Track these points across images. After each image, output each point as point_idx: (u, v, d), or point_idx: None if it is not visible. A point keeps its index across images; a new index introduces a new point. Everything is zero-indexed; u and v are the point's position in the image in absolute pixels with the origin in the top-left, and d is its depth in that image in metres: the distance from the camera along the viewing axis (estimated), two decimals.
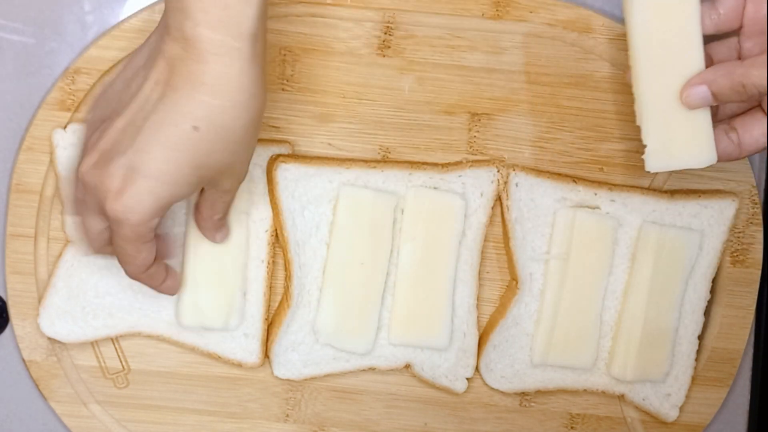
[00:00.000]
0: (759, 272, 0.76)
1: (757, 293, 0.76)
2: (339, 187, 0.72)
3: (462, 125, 0.74)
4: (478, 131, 0.74)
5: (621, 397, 0.76)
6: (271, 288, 0.74)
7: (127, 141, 0.60)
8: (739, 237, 0.76)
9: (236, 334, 0.73)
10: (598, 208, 0.74)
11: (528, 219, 0.74)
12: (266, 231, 0.73)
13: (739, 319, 0.76)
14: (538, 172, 0.74)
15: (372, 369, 0.74)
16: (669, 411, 0.76)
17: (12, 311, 0.73)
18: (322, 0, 0.72)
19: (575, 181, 0.74)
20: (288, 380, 0.75)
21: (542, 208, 0.74)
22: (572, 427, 0.77)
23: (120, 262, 0.65)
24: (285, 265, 0.73)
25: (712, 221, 0.74)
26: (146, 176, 0.59)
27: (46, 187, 0.72)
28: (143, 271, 0.65)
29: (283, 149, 0.72)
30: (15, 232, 0.73)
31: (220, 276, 0.72)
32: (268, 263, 0.73)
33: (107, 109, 0.64)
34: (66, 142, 0.71)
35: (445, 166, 0.73)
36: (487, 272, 0.75)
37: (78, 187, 0.64)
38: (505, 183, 0.73)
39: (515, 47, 0.73)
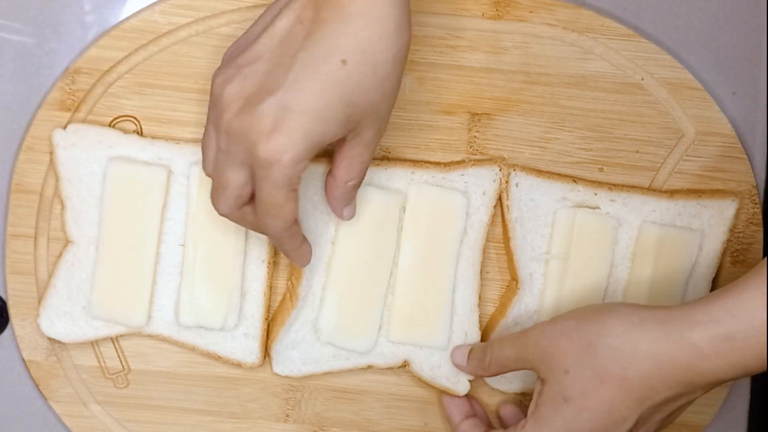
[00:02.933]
0: None
1: None
2: None
3: (462, 125, 0.74)
4: (478, 131, 0.74)
5: None
6: (271, 288, 0.74)
7: (275, 81, 0.59)
8: (739, 237, 0.76)
9: (236, 334, 0.73)
10: (598, 208, 0.74)
11: (528, 219, 0.74)
12: None
13: None
14: (538, 172, 0.74)
15: (370, 367, 0.74)
16: None
17: (12, 311, 0.73)
18: None
19: (575, 181, 0.74)
20: (288, 380, 0.75)
21: (542, 208, 0.74)
22: None
23: (266, 218, 0.62)
24: (291, 266, 0.72)
25: (712, 221, 0.74)
26: (299, 113, 0.58)
27: (46, 187, 0.72)
28: (289, 226, 0.63)
29: None
30: (15, 232, 0.73)
31: (219, 276, 0.72)
32: (268, 263, 0.73)
33: (241, 57, 0.62)
34: (66, 142, 0.71)
35: (448, 164, 0.73)
36: (487, 272, 0.75)
37: (220, 138, 0.61)
38: (506, 183, 0.73)
39: (515, 47, 0.73)
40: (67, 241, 0.72)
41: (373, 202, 0.72)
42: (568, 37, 0.74)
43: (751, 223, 0.76)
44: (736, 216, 0.75)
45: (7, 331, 0.74)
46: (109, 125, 0.72)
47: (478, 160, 0.74)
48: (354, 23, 0.58)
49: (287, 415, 0.75)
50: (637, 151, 0.75)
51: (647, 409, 0.63)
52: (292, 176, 0.60)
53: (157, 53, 0.72)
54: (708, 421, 0.77)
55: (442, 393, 0.74)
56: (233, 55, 0.63)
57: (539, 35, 0.73)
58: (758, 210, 0.76)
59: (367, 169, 0.65)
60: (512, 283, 0.75)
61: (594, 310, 0.65)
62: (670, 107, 0.74)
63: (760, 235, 0.76)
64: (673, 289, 0.74)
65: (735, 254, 0.76)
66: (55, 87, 0.72)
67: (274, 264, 0.73)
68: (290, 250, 0.66)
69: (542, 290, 0.74)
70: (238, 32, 0.72)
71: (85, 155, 0.72)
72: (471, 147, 0.74)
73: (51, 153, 0.72)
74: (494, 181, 0.73)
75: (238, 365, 0.74)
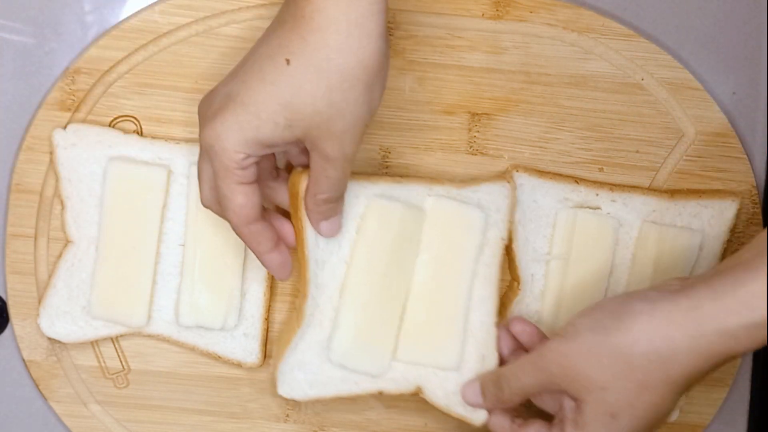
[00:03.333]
0: None
1: None
2: (366, 201, 0.69)
3: (462, 125, 0.74)
4: (478, 131, 0.74)
5: None
6: (271, 288, 0.74)
7: (233, 73, 0.61)
8: (739, 237, 0.76)
9: (236, 334, 0.73)
10: (599, 208, 0.74)
11: (530, 220, 0.73)
12: None
13: None
14: (541, 173, 0.74)
15: (381, 393, 0.71)
16: None
17: (12, 311, 0.74)
18: None
19: (577, 182, 0.74)
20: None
21: (544, 208, 0.74)
22: None
23: (223, 210, 0.63)
24: (301, 284, 0.69)
25: (712, 221, 0.74)
26: (237, 103, 0.59)
27: (46, 187, 0.73)
28: (243, 222, 0.62)
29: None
30: (15, 232, 0.73)
31: (219, 276, 0.72)
32: None
33: None
34: (66, 142, 0.71)
35: (463, 181, 0.71)
36: None
37: None
38: (514, 194, 0.72)
39: (515, 47, 0.73)
40: (67, 241, 0.72)
41: (391, 218, 0.69)
42: (568, 37, 0.74)
43: (751, 223, 0.76)
44: (736, 216, 0.75)
45: (7, 331, 0.74)
46: (109, 125, 0.72)
47: (490, 177, 0.72)
48: (304, 26, 0.58)
49: (287, 415, 0.75)
50: (637, 151, 0.75)
51: (684, 391, 0.63)
52: (228, 165, 0.60)
53: (157, 53, 0.72)
54: (708, 421, 0.77)
55: None
56: None
57: (539, 35, 0.73)
58: (758, 210, 0.75)
59: (338, 186, 0.63)
60: (513, 284, 0.74)
61: (610, 316, 0.63)
62: (670, 107, 0.74)
63: None
64: None
65: None
66: (55, 87, 0.72)
67: None
68: (257, 253, 0.65)
69: (543, 291, 0.74)
70: (238, 32, 0.72)
71: (85, 155, 0.72)
72: (471, 147, 0.74)
73: (51, 153, 0.72)
74: (506, 197, 0.71)
75: (238, 365, 0.74)
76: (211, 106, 0.61)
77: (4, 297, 0.74)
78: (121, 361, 0.74)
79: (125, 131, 0.72)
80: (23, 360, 0.74)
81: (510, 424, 0.69)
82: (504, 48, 0.73)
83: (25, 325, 0.74)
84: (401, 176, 0.71)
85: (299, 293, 0.69)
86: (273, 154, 0.67)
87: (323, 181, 0.63)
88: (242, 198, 0.61)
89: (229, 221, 0.63)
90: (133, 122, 0.73)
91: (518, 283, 0.74)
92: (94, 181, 0.72)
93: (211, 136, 0.60)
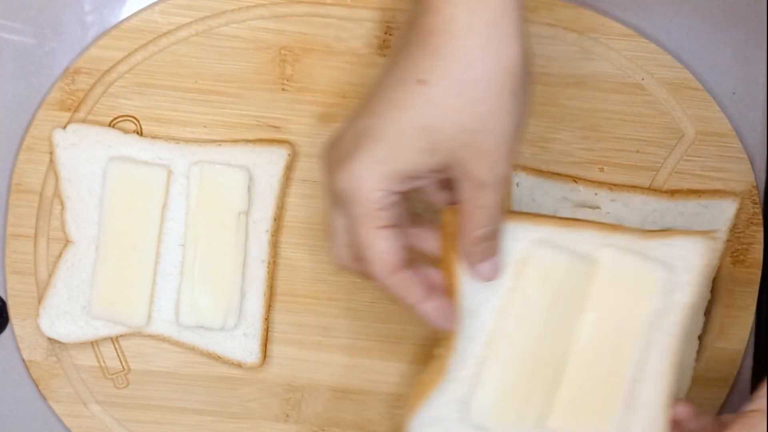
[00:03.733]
0: (759, 272, 0.76)
1: (757, 293, 0.76)
2: (526, 246, 0.62)
3: None
4: None
5: None
6: (271, 288, 0.74)
7: (359, 111, 0.56)
8: (739, 237, 0.76)
9: (236, 334, 0.73)
10: (598, 208, 0.74)
11: None
12: (266, 231, 0.73)
13: (739, 319, 0.76)
14: (539, 172, 0.74)
15: None
16: None
17: (12, 311, 0.74)
18: (322, 0, 0.72)
19: (575, 181, 0.74)
20: (288, 380, 0.75)
21: (543, 208, 0.74)
22: None
23: (366, 263, 0.56)
24: (445, 335, 0.63)
25: (712, 221, 0.74)
26: (370, 138, 0.54)
27: (46, 187, 0.73)
28: (389, 272, 0.56)
29: (283, 149, 0.72)
30: (15, 232, 0.73)
31: (219, 276, 0.72)
32: (269, 263, 0.73)
33: None
34: (66, 142, 0.71)
35: (650, 231, 0.64)
36: None
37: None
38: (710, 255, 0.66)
39: None
40: (67, 241, 0.72)
41: (555, 269, 0.62)
42: (568, 37, 0.74)
43: (751, 223, 0.76)
44: (736, 216, 0.75)
45: (7, 331, 0.74)
46: (109, 125, 0.72)
47: (687, 231, 0.65)
48: (436, 40, 0.53)
49: (287, 415, 0.75)
50: (637, 151, 0.75)
51: None
52: (368, 208, 0.55)
53: (157, 53, 0.72)
54: None
55: None
56: None
57: (539, 35, 0.73)
58: (758, 210, 0.76)
59: (495, 217, 0.57)
60: None
61: None
62: (670, 107, 0.74)
63: (761, 235, 0.76)
64: None
65: (735, 254, 0.76)
66: (55, 87, 0.72)
67: (274, 264, 0.73)
68: (409, 305, 0.58)
69: None
70: (238, 32, 0.72)
71: (85, 155, 0.72)
72: None
73: (51, 153, 0.72)
74: (702, 255, 0.63)
75: (238, 365, 0.74)
76: (339, 149, 0.56)
77: (4, 297, 0.74)
78: (121, 361, 0.74)
79: (125, 131, 0.72)
80: (23, 360, 0.74)
81: None
82: None
83: (25, 325, 0.74)
84: (571, 219, 0.65)
85: (442, 342, 0.63)
86: (403, 201, 0.59)
87: (478, 213, 0.56)
88: (384, 243, 0.56)
89: (372, 274, 0.57)
90: (133, 122, 0.73)
91: None
92: (94, 181, 0.72)
93: (344, 180, 0.55)
